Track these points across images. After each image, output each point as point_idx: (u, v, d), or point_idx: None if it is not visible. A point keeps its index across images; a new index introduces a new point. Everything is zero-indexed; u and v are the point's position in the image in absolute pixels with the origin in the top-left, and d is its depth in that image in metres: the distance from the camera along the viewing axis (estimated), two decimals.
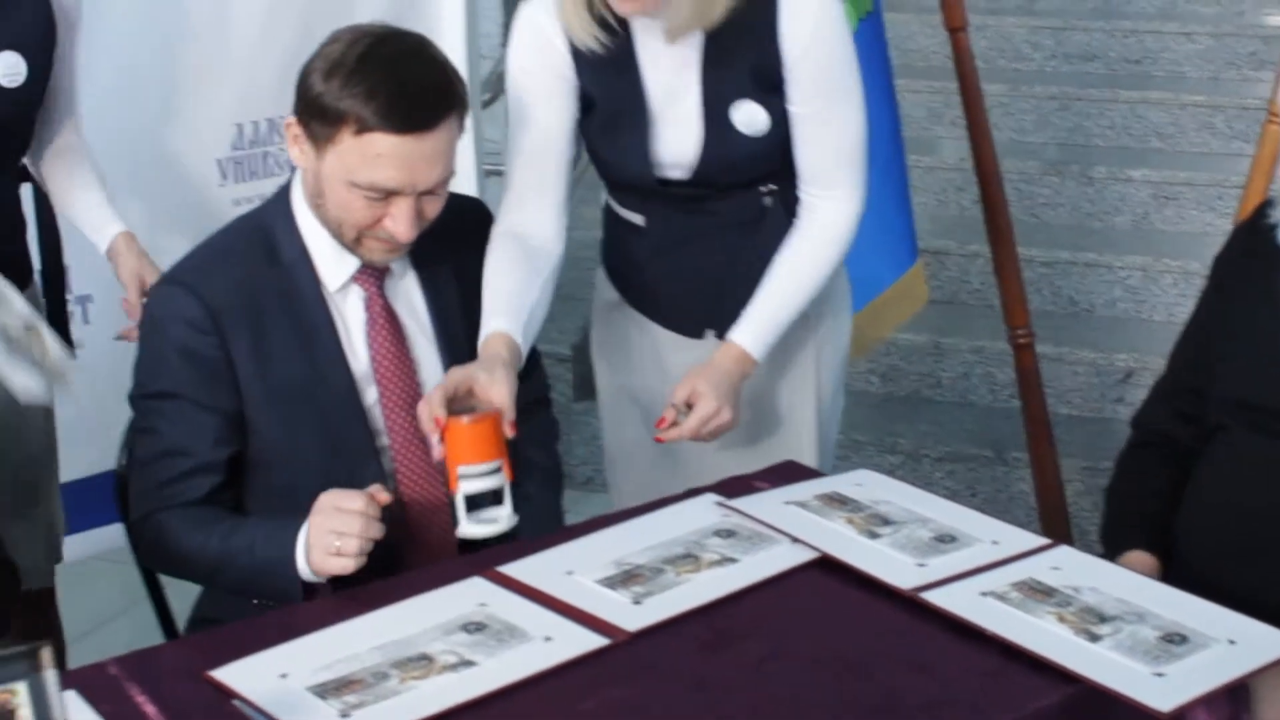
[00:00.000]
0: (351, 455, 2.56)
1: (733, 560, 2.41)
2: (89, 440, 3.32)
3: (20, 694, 1.51)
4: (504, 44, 4.10)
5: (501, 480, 2.32)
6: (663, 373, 3.02)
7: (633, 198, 3.01)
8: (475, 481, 2.29)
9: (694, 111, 2.84)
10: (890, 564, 2.39)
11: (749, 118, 2.84)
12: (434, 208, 2.50)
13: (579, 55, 2.81)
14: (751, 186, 2.93)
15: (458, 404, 2.45)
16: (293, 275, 2.55)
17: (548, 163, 2.87)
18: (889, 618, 2.28)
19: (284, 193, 2.61)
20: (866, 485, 2.67)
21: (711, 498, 2.63)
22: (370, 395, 2.60)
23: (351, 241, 2.52)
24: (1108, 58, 6.16)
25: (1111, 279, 5.35)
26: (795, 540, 2.46)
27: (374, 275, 2.59)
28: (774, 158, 2.90)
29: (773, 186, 2.94)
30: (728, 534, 2.50)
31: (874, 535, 2.48)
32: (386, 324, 2.60)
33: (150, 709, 2.05)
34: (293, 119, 2.50)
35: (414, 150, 2.40)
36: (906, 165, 3.69)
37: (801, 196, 2.95)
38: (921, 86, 5.86)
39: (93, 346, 3.34)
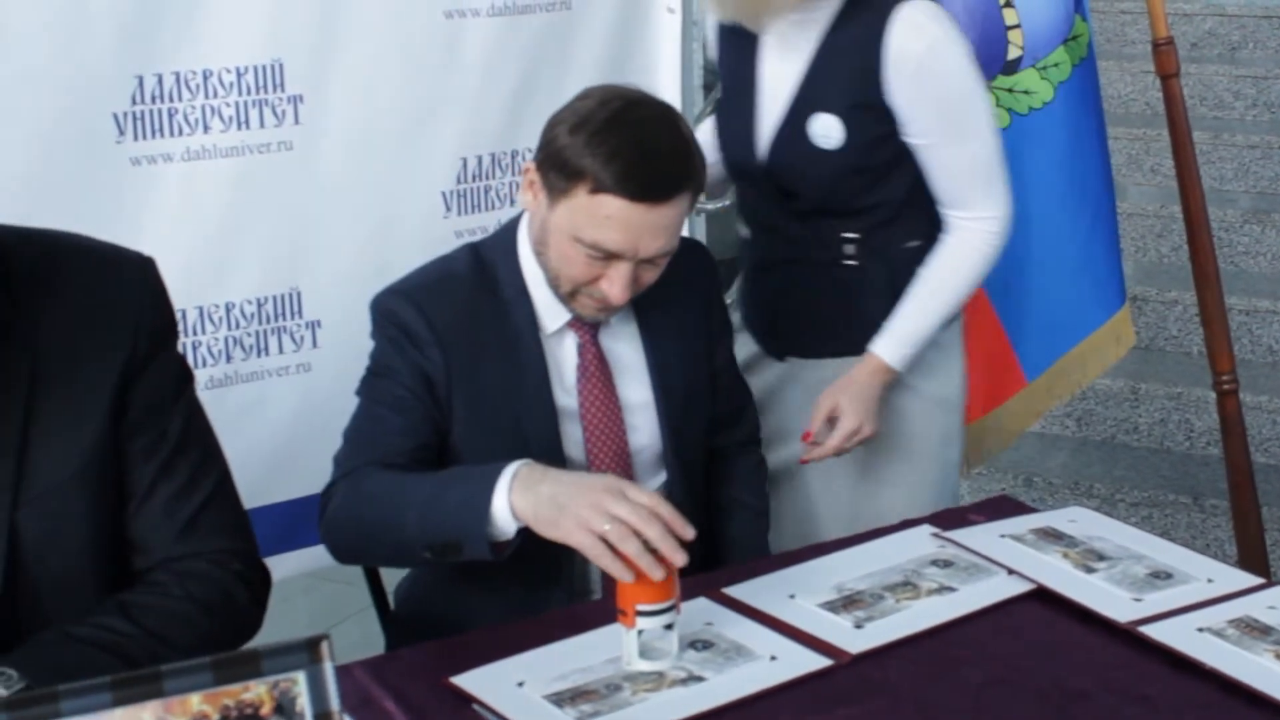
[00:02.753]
0: None
1: (951, 589, 2.46)
2: (298, 465, 3.35)
3: (300, 682, 1.58)
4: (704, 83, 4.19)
5: (674, 617, 2.22)
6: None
7: (745, 207, 3.17)
8: (652, 619, 2.20)
9: (782, 107, 2.97)
10: (1107, 598, 2.41)
11: (825, 129, 2.94)
12: (650, 276, 2.52)
13: (721, 28, 3.03)
14: (826, 216, 3.02)
15: None
16: (511, 312, 2.59)
17: None
18: (1106, 650, 2.30)
19: (510, 231, 2.65)
20: (1080, 521, 2.70)
21: (928, 529, 2.68)
22: (571, 434, 2.63)
23: (566, 294, 2.55)
24: None
25: None
26: (1012, 572, 2.50)
27: (590, 322, 2.62)
28: (846, 178, 2.98)
29: (855, 235, 3.02)
30: (945, 564, 2.54)
31: (1090, 570, 2.51)
32: (598, 370, 2.63)
33: (394, 710, 2.14)
34: (532, 165, 2.52)
35: (643, 219, 2.41)
36: (1116, 210, 3.71)
37: (943, 216, 3.04)
38: (1120, 133, 5.85)
39: (320, 370, 3.40)
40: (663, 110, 2.50)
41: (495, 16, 3.60)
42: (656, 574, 2.15)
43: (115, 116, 3.29)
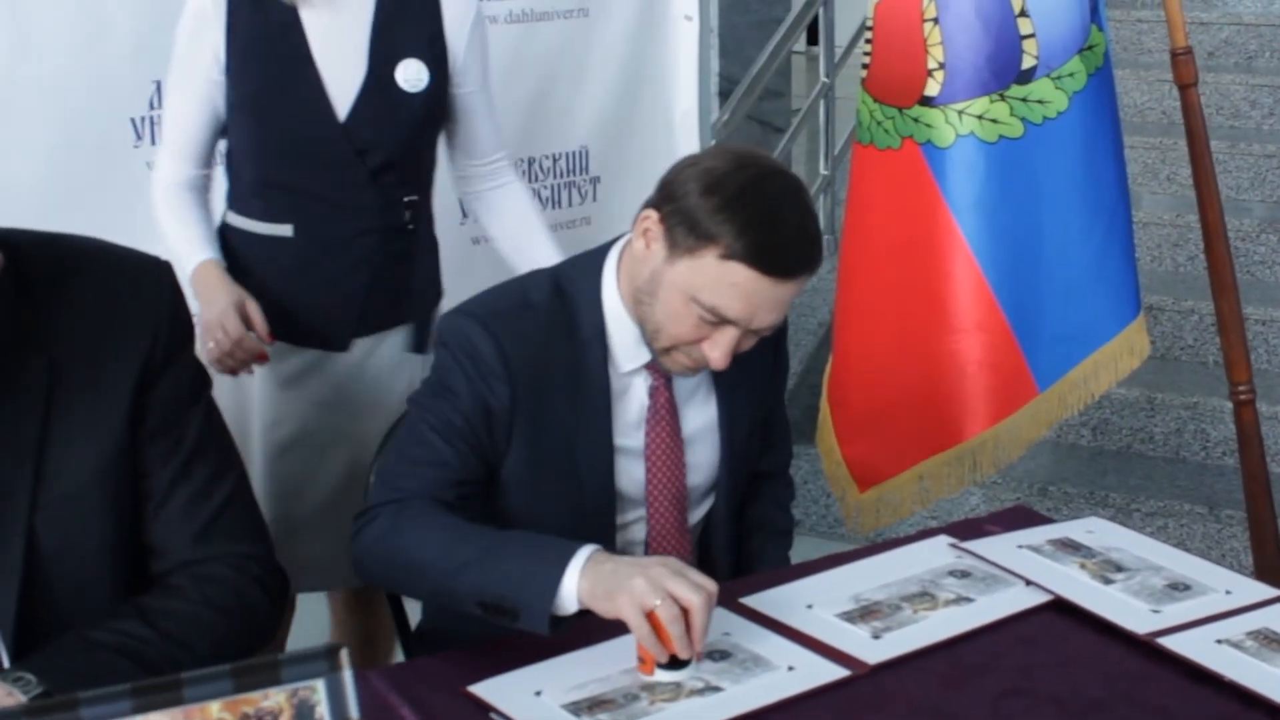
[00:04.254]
0: (590, 529, 2.50)
1: (969, 600, 2.46)
2: None
3: (319, 690, 1.59)
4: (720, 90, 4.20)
5: (695, 670, 2.22)
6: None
7: (280, 201, 3.08)
8: (669, 673, 2.21)
9: (359, 64, 3.03)
10: (1125, 609, 2.41)
11: (413, 74, 3.05)
12: (749, 344, 2.49)
13: (234, 18, 3.01)
14: (393, 175, 3.10)
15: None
16: (585, 350, 2.55)
17: None
18: (1125, 662, 2.30)
19: (595, 265, 2.60)
20: (1098, 532, 2.70)
21: (944, 539, 2.68)
22: (630, 471, 2.61)
23: (661, 350, 2.51)
24: None
25: None
26: (1029, 583, 2.50)
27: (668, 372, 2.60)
28: (424, 127, 3.12)
29: (413, 197, 3.13)
30: (962, 574, 2.54)
31: (1108, 581, 2.51)
32: (668, 414, 2.61)
33: (411, 717, 2.14)
34: (653, 214, 2.47)
35: (768, 293, 2.39)
36: (1132, 221, 3.71)
37: (477, 170, 3.25)
38: (1136, 142, 5.85)
39: None
40: (794, 184, 2.47)
41: (513, 24, 3.62)
42: (685, 654, 2.17)
43: (133, 121, 3.33)
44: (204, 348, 2.77)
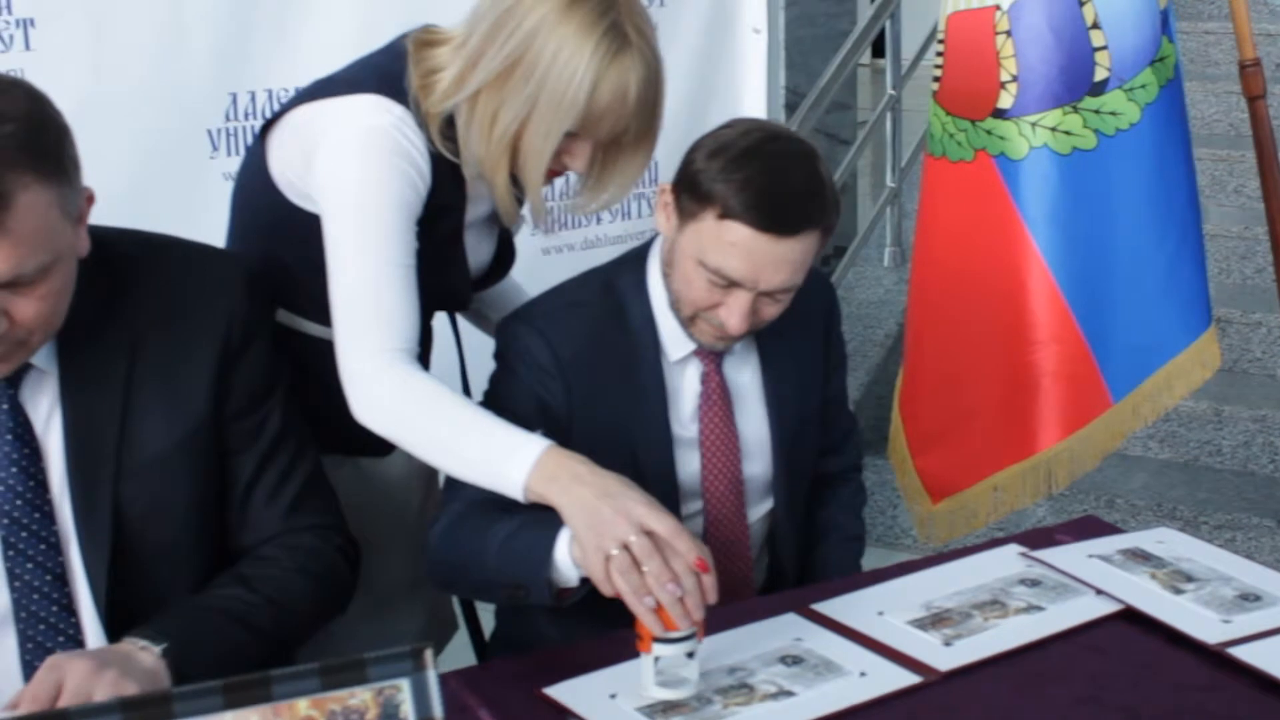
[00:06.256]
0: None
1: (1039, 608, 2.47)
2: None
3: (404, 689, 1.62)
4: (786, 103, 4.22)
5: (695, 645, 2.20)
6: None
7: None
8: (670, 647, 2.18)
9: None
10: (1195, 619, 2.42)
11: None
12: (771, 312, 2.52)
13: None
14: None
15: None
16: (636, 341, 2.60)
17: None
18: (1196, 671, 2.31)
19: (640, 257, 2.67)
20: (1168, 542, 2.71)
21: (1015, 548, 2.69)
22: (687, 461, 2.64)
23: (686, 319, 2.56)
24: None
25: None
26: (1100, 592, 2.51)
27: (713, 351, 2.63)
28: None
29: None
30: (1033, 583, 2.55)
31: (1178, 591, 2.51)
32: (720, 400, 2.64)
33: (489, 719, 2.18)
34: (667, 186, 2.54)
35: (767, 250, 2.41)
36: (1202, 232, 3.71)
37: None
38: (1204, 154, 5.82)
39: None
40: (802, 148, 2.50)
41: None
42: (684, 625, 2.16)
43: (209, 133, 3.38)
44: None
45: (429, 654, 1.63)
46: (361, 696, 1.61)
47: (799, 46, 6.76)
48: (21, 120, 1.97)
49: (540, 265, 3.47)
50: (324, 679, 1.60)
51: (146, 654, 2.01)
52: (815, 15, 7.17)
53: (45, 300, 2.03)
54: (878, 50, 7.00)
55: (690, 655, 2.19)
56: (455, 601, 2.98)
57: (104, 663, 1.95)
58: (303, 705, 1.59)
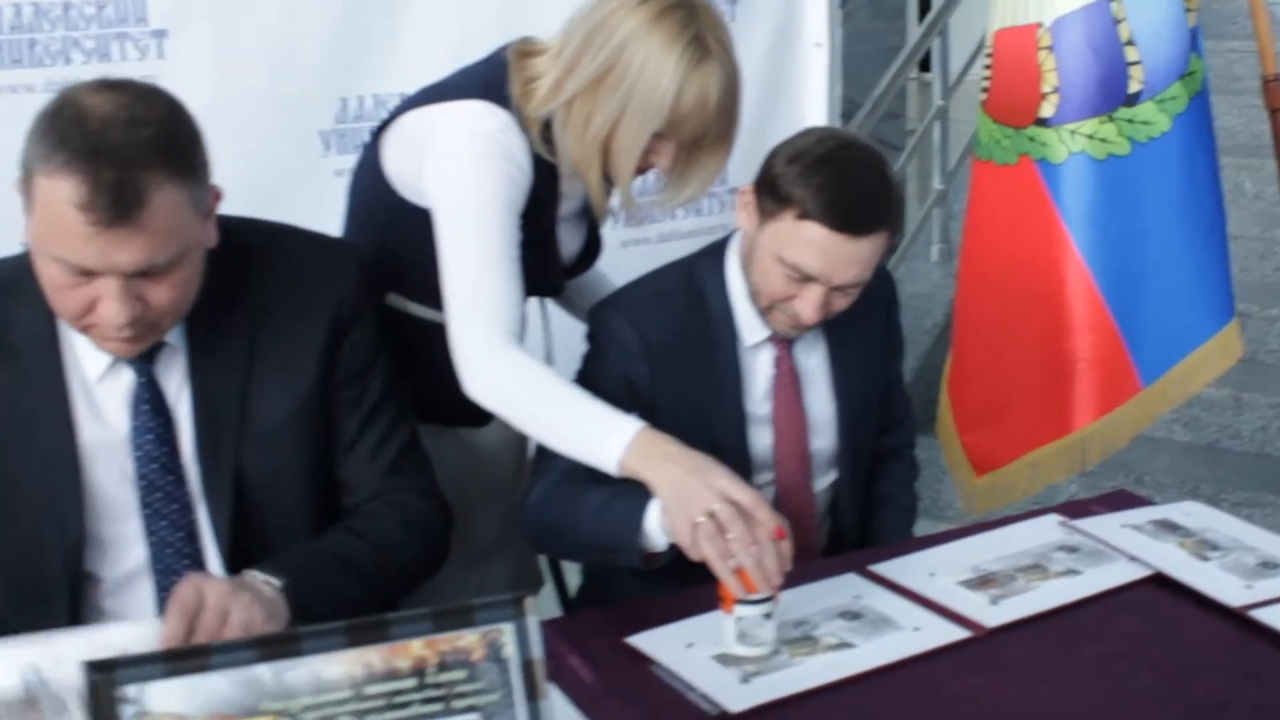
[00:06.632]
0: None
1: (1077, 572, 2.49)
2: None
3: (507, 633, 1.64)
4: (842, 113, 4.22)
5: (773, 607, 2.22)
6: None
7: None
8: (750, 608, 2.20)
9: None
10: (1220, 584, 2.43)
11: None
12: (841, 304, 2.53)
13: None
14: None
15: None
16: (714, 326, 2.62)
17: None
18: (1219, 632, 2.32)
19: (719, 249, 2.69)
20: (1194, 514, 2.72)
21: (1054, 518, 2.71)
22: (759, 438, 2.65)
23: (763, 309, 2.58)
24: None
25: None
26: (1132, 558, 2.52)
27: (785, 337, 2.65)
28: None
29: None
30: (1071, 550, 2.57)
31: (1204, 558, 2.52)
32: (791, 381, 2.66)
33: (579, 665, 2.21)
34: (749, 188, 2.56)
35: (840, 249, 2.43)
36: (1226, 231, 3.70)
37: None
38: (1226, 162, 5.71)
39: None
40: (872, 155, 2.51)
41: None
42: (764, 589, 2.19)
43: (320, 133, 3.41)
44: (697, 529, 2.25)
45: (530, 601, 1.65)
46: (469, 638, 1.63)
47: (853, 60, 6.74)
48: (159, 124, 2.00)
49: (620, 257, 3.49)
50: (436, 622, 1.62)
51: (268, 586, 2.05)
52: (868, 32, 7.18)
53: (175, 288, 2.07)
54: (924, 65, 7.00)
55: (768, 616, 2.22)
56: (542, 559, 3.01)
57: (239, 585, 2.00)
58: (416, 645, 1.61)
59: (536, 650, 1.65)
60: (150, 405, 2.20)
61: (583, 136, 2.47)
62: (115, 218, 1.94)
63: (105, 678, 1.51)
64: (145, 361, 2.19)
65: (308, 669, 1.57)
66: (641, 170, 2.53)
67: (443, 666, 1.62)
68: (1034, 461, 3.58)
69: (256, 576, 2.07)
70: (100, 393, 2.20)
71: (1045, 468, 3.59)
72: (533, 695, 1.64)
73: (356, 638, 1.60)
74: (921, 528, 2.91)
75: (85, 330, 2.09)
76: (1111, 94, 3.42)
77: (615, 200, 2.64)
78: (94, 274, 1.99)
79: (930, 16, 6.01)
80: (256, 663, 1.56)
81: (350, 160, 3.27)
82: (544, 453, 2.52)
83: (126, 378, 2.20)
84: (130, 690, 1.52)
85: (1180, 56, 3.48)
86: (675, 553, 2.30)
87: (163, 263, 2.02)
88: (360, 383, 2.34)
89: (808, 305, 2.49)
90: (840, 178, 2.43)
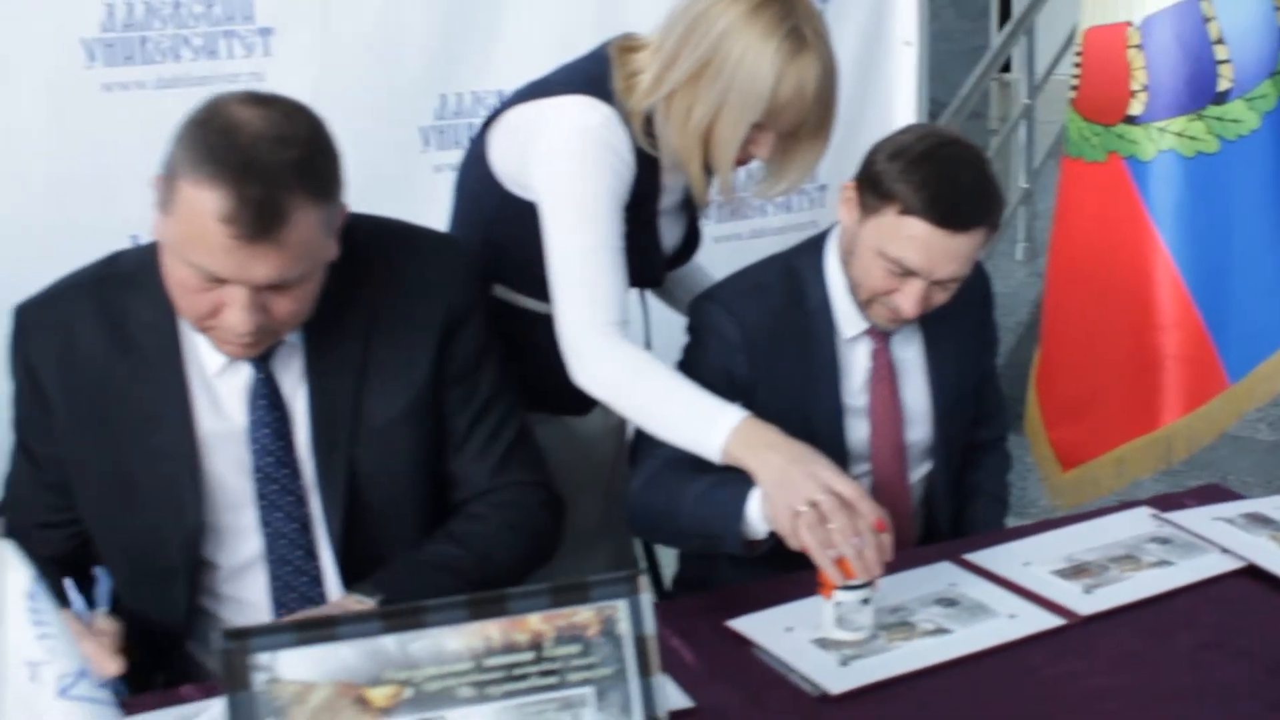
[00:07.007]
0: None
1: (1169, 563, 2.51)
2: None
3: (621, 610, 1.69)
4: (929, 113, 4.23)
5: (871, 593, 2.26)
6: None
7: None
8: (848, 594, 2.24)
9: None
10: None
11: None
12: (940, 298, 2.56)
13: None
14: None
15: None
16: (813, 319, 2.65)
17: None
18: None
19: (818, 244, 2.71)
20: None
21: (1146, 510, 2.73)
22: (856, 429, 2.68)
23: (864, 302, 2.61)
24: None
25: None
26: (1224, 550, 2.54)
27: (883, 331, 2.67)
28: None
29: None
30: (1163, 541, 2.59)
31: None
32: (888, 374, 2.68)
33: (681, 646, 2.25)
34: (851, 184, 2.59)
35: (942, 244, 2.46)
36: None
37: None
38: None
39: None
40: (973, 152, 2.54)
41: None
42: (863, 576, 2.22)
43: (421, 130, 3.47)
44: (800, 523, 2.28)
45: (643, 579, 1.69)
46: (584, 614, 1.68)
47: (936, 60, 6.76)
48: (304, 144, 2.05)
49: (712, 252, 3.53)
50: (553, 597, 1.67)
51: (363, 606, 2.09)
52: (952, 32, 7.20)
53: (299, 301, 2.12)
54: (1003, 66, 7.01)
55: (866, 602, 2.25)
56: (637, 546, 3.06)
57: (335, 609, 2.06)
58: (534, 619, 1.66)
59: (649, 627, 1.69)
60: (267, 400, 2.26)
61: (684, 129, 2.51)
62: (256, 234, 1.99)
63: (239, 645, 1.57)
64: (263, 358, 2.24)
65: (430, 640, 1.63)
66: (742, 161, 2.56)
67: (559, 641, 1.66)
68: (1120, 457, 3.60)
69: (353, 597, 2.13)
70: (219, 386, 2.26)
71: (1131, 463, 3.60)
72: (645, 670, 1.68)
73: (477, 611, 1.65)
74: (1006, 524, 2.94)
75: (205, 331, 2.15)
76: (1200, 92, 3.43)
77: (715, 192, 2.68)
78: (224, 282, 2.05)
79: (1016, 17, 6.03)
80: (382, 634, 1.62)
81: (448, 156, 3.34)
82: (643, 440, 2.56)
83: (244, 373, 2.25)
84: (263, 658, 1.58)
85: (1270, 55, 3.49)
86: (774, 540, 2.33)
87: (293, 278, 2.07)
88: (470, 380, 2.37)
89: (908, 299, 2.52)
90: (942, 174, 2.46)
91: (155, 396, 2.23)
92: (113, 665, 2.03)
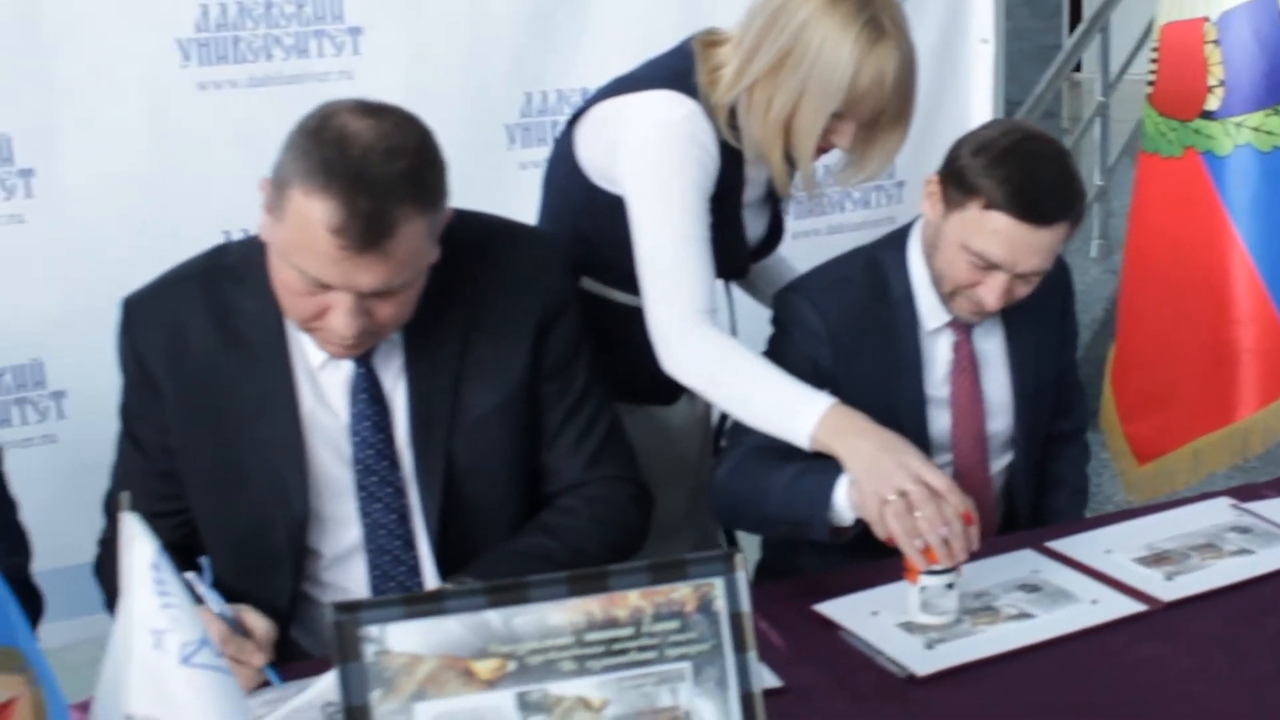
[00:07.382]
0: None
1: (1250, 552, 2.53)
2: None
3: (717, 587, 1.72)
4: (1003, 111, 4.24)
5: (955, 577, 2.30)
6: None
7: None
8: (934, 579, 2.28)
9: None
10: None
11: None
12: (1023, 291, 2.58)
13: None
14: None
15: None
16: (896, 311, 2.67)
17: None
18: None
19: (901, 236, 2.74)
20: None
21: (1226, 500, 2.75)
22: (938, 420, 2.71)
23: (947, 294, 2.63)
24: None
25: None
26: None
27: (965, 323, 2.70)
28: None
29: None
30: (1243, 530, 2.61)
31: None
32: (969, 365, 2.71)
33: (768, 629, 2.29)
34: (935, 178, 2.62)
35: (1025, 238, 2.48)
36: None
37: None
38: None
39: None
40: (1055, 147, 2.56)
41: None
42: (946, 562, 2.27)
43: (506, 127, 3.52)
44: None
45: (740, 558, 1.72)
46: (682, 591, 1.71)
47: (1010, 58, 6.78)
48: (413, 156, 2.08)
49: (791, 248, 3.57)
50: (652, 575, 1.71)
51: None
52: (1025, 30, 7.20)
53: (401, 306, 2.17)
54: (1074, 65, 7.02)
55: (950, 587, 2.29)
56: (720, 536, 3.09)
57: None
58: (633, 596, 1.70)
59: (745, 604, 1.72)
60: (368, 394, 2.30)
61: (765, 119, 2.55)
62: (365, 245, 2.03)
63: (350, 618, 1.62)
64: (364, 353, 2.28)
65: (534, 615, 1.67)
66: (822, 150, 2.59)
67: (657, 617, 1.70)
68: (1196, 450, 3.61)
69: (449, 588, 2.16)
70: (322, 379, 2.30)
71: (1207, 456, 3.61)
72: (741, 647, 1.72)
73: (579, 588, 1.68)
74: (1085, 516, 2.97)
75: (310, 332, 2.20)
76: (1277, 87, 3.44)
77: (796, 185, 2.72)
78: (330, 287, 2.09)
79: (1090, 16, 6.03)
80: (487, 608, 1.66)
81: (534, 153, 3.39)
82: (735, 431, 2.60)
83: (346, 367, 2.29)
84: (373, 630, 1.62)
85: None
86: (861, 527, 2.37)
87: (397, 285, 2.12)
88: (564, 375, 2.41)
89: (991, 292, 2.55)
90: (1025, 169, 2.49)
91: (262, 387, 2.28)
92: (258, 657, 2.13)
